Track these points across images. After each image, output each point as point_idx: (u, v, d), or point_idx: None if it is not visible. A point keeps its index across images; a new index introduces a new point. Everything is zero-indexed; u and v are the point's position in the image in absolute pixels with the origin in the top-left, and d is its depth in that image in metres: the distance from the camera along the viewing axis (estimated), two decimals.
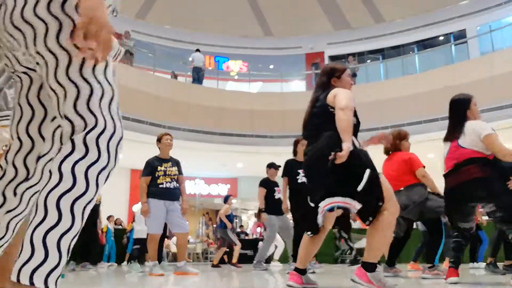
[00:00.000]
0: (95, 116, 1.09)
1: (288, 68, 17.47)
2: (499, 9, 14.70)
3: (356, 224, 12.51)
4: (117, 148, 1.13)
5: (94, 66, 1.09)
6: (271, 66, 18.31)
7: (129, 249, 10.45)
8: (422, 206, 4.37)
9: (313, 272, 5.33)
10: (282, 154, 7.85)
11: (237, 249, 8.54)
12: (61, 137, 1.09)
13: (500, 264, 5.24)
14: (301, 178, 5.50)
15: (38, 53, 1.08)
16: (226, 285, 3.64)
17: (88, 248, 6.89)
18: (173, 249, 12.65)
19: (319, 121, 2.79)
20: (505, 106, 10.32)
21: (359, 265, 2.63)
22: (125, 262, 10.19)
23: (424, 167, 4.46)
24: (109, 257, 9.98)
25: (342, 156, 2.48)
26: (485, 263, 6.98)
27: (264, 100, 13.76)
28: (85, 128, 1.07)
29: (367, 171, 2.56)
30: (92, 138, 1.07)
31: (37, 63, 1.12)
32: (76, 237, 1.04)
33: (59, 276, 1.01)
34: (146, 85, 12.26)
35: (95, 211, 6.96)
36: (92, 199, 1.07)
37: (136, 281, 4.22)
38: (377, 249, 2.62)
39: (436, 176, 4.40)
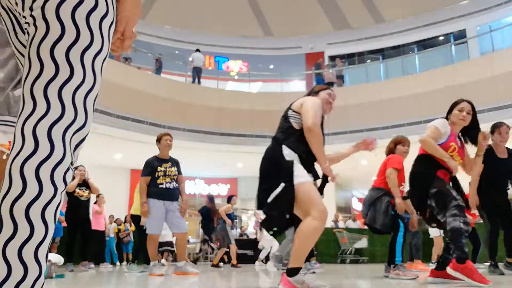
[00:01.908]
0: (63, 103, 0.96)
1: (288, 68, 17.47)
2: (499, 9, 14.70)
3: (356, 224, 12.52)
4: (80, 144, 1.01)
5: (85, 49, 0.99)
6: (271, 66, 18.31)
7: (125, 249, 10.46)
8: (373, 208, 4.46)
9: (313, 272, 5.33)
10: None
11: (233, 249, 8.55)
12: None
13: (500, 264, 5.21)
14: None
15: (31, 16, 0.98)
16: (226, 285, 3.64)
17: (86, 247, 6.81)
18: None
19: (282, 120, 2.99)
20: (505, 106, 10.31)
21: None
22: (124, 262, 10.18)
23: (397, 169, 4.49)
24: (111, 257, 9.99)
25: (332, 180, 2.82)
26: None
27: (264, 100, 13.75)
28: (45, 116, 0.95)
29: (281, 185, 2.66)
30: (58, 130, 0.95)
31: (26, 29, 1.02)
32: (50, 242, 0.96)
33: (43, 284, 0.95)
34: (146, 85, 12.26)
35: (86, 208, 6.81)
36: (61, 201, 0.96)
37: (136, 281, 4.22)
38: (300, 253, 2.69)
39: None
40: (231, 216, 8.63)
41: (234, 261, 8.53)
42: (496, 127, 4.84)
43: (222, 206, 9.08)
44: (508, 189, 4.77)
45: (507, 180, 4.79)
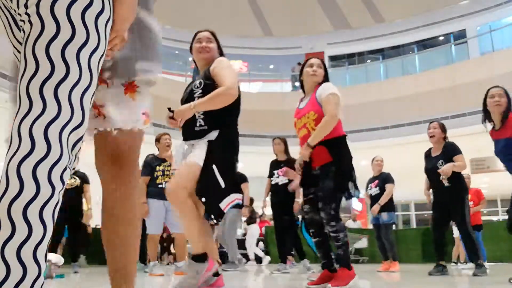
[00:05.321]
0: (59, 102, 0.95)
1: (288, 68, 17.47)
2: (499, 9, 14.70)
3: (356, 224, 12.51)
4: (77, 143, 1.00)
5: (81, 47, 0.98)
6: (271, 66, 18.32)
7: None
8: None
9: (313, 272, 5.31)
10: None
11: None
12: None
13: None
14: (275, 179, 5.63)
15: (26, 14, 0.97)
16: (227, 285, 3.63)
17: (75, 245, 6.24)
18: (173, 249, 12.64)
19: None
20: None
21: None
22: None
23: None
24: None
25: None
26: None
27: (264, 100, 13.75)
28: (40, 116, 0.93)
29: None
30: (55, 130, 0.94)
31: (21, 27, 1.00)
32: (49, 242, 0.95)
33: (42, 284, 0.94)
34: None
35: (70, 198, 5.62)
36: (59, 200, 0.96)
37: (136, 281, 4.21)
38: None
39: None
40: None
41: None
42: None
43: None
44: (443, 185, 4.56)
45: (438, 177, 4.61)
